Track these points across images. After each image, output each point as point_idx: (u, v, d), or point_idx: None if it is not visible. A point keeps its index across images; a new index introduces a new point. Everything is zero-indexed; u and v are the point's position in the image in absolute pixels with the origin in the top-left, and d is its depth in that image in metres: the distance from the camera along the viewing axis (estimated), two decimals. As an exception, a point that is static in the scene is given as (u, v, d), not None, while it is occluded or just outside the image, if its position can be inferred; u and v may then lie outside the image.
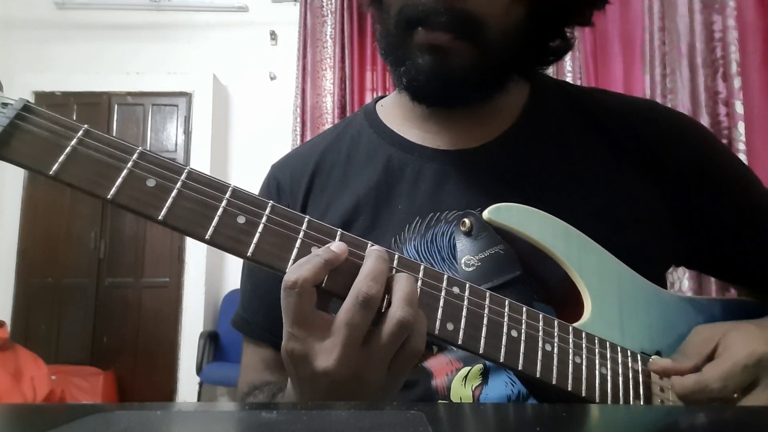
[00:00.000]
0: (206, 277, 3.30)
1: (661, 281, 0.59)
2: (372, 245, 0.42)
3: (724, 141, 1.94)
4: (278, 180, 0.66)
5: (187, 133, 3.42)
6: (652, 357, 0.52)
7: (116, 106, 3.43)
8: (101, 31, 3.52)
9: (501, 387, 0.52)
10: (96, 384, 2.97)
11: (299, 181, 0.64)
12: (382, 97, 0.71)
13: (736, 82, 1.99)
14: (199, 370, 3.06)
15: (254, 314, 0.65)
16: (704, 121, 2.00)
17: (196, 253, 3.27)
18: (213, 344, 3.19)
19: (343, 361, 0.39)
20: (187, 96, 3.44)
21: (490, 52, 0.54)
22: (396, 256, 0.43)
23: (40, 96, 3.36)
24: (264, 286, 0.64)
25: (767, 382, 0.49)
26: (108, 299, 3.29)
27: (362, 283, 0.39)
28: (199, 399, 3.12)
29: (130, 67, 3.47)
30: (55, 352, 3.17)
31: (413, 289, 0.40)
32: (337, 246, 0.40)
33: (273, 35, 3.53)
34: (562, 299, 0.53)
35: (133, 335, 3.27)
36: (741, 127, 1.96)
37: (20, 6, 3.50)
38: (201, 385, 3.11)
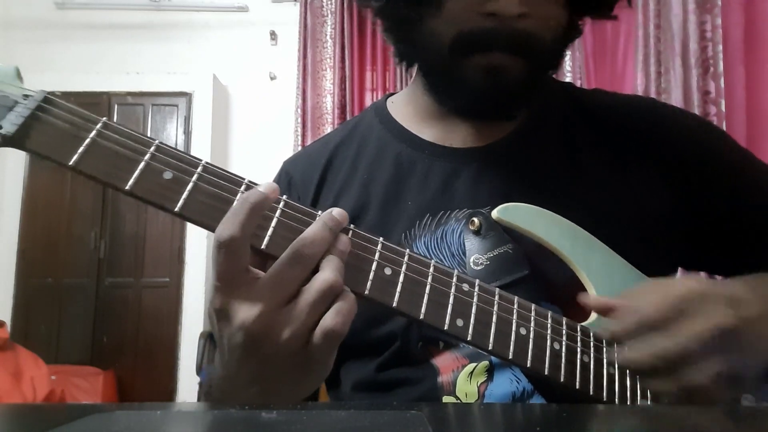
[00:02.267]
0: (206, 277, 3.29)
1: None
2: (381, 240, 0.43)
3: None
4: (290, 175, 0.67)
5: (187, 133, 3.41)
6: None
7: (116, 106, 3.41)
8: (101, 31, 3.51)
9: (506, 384, 0.52)
10: (96, 384, 2.96)
11: (311, 177, 0.65)
12: (392, 94, 0.71)
13: (721, 82, 2.00)
14: (199, 370, 3.06)
15: None
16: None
17: (196, 253, 3.26)
18: (213, 344, 3.17)
19: (264, 317, 0.38)
20: (187, 96, 3.43)
21: (540, 63, 0.55)
22: (406, 252, 0.43)
23: (40, 96, 3.35)
24: None
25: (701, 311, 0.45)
26: (108, 299, 3.28)
27: (300, 242, 0.38)
28: (199, 399, 3.12)
29: (130, 67, 3.46)
30: (55, 352, 3.15)
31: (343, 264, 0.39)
32: (264, 187, 0.39)
33: (273, 35, 3.52)
34: (570, 299, 0.53)
35: (133, 335, 3.26)
36: (723, 125, 1.97)
37: (20, 6, 3.50)
38: (201, 385, 3.11)
